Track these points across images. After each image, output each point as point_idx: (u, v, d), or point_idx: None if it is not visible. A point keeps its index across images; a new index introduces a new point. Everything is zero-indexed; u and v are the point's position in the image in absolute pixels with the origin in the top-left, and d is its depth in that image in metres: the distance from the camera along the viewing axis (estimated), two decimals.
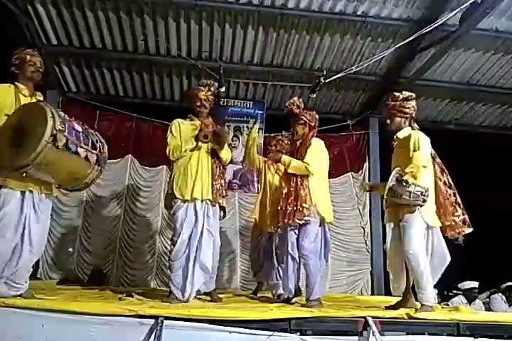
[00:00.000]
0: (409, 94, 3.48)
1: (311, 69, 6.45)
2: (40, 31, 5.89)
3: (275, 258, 4.44)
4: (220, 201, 3.74)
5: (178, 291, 3.41)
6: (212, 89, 3.81)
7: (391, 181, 3.16)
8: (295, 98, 3.95)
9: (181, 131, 3.66)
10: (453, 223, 3.37)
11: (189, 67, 6.43)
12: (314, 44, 6.06)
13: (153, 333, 2.54)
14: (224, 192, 3.76)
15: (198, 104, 3.73)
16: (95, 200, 6.41)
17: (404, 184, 3.09)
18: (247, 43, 6.09)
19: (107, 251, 6.28)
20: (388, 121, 3.48)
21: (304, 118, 3.80)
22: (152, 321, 2.61)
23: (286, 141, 4.69)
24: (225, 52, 6.23)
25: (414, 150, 3.19)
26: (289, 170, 3.65)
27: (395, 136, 3.48)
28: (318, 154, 3.70)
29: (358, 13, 5.57)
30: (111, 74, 6.70)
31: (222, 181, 3.71)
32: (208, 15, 5.66)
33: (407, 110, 3.43)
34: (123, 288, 5.37)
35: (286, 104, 3.94)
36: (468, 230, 3.42)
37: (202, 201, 3.54)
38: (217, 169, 3.66)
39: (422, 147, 3.22)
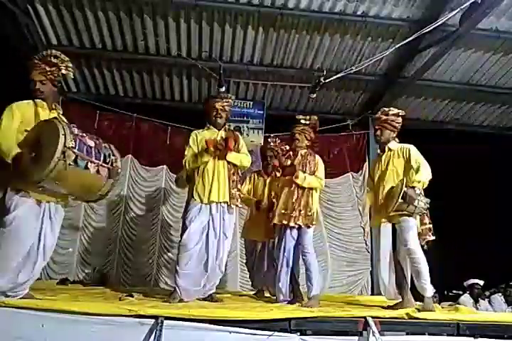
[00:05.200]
0: (398, 110, 3.81)
1: (311, 69, 6.45)
2: (40, 31, 5.89)
3: (269, 263, 4.46)
4: (238, 204, 3.80)
5: (184, 286, 3.46)
6: (229, 100, 3.97)
7: (401, 190, 3.37)
8: (314, 116, 4.17)
9: (198, 142, 3.79)
10: (420, 230, 3.82)
11: (189, 67, 6.43)
12: (314, 44, 6.07)
13: (153, 333, 2.54)
14: (241, 196, 3.85)
15: (215, 113, 3.85)
16: None
17: (416, 191, 3.38)
18: (247, 43, 6.10)
19: (107, 251, 6.27)
20: (379, 133, 3.80)
21: (310, 135, 4.07)
22: (152, 321, 2.61)
23: (277, 149, 4.74)
24: (225, 52, 6.24)
25: (420, 164, 3.50)
26: (305, 185, 3.85)
27: (386, 147, 3.76)
28: (323, 171, 4.02)
29: (358, 13, 5.57)
30: (111, 74, 6.71)
31: (240, 186, 3.85)
32: (208, 15, 5.66)
33: (396, 124, 3.77)
34: (123, 288, 5.37)
35: (310, 117, 4.11)
36: (431, 238, 4.11)
37: (217, 203, 3.66)
38: (235, 175, 3.76)
39: (425, 161, 3.53)
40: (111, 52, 6.26)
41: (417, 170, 3.48)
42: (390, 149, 3.75)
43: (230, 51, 6.23)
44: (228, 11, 5.61)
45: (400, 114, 3.78)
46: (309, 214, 3.80)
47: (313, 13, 5.58)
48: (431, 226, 4.18)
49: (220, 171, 3.70)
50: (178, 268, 3.54)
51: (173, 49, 6.14)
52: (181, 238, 3.66)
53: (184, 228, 3.70)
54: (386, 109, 3.82)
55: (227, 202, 3.67)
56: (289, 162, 3.94)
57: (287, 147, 4.50)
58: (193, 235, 3.56)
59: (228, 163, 3.74)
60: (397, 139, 3.82)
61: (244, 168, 3.94)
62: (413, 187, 3.39)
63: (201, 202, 3.64)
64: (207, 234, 3.60)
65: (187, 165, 3.78)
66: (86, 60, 6.43)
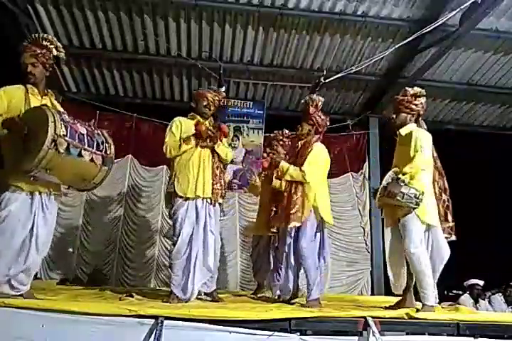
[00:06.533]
0: (419, 90, 3.42)
1: (311, 69, 6.46)
2: (40, 31, 5.89)
3: (273, 259, 4.45)
4: (220, 201, 3.74)
5: (179, 291, 3.41)
6: (220, 96, 3.87)
7: (386, 180, 3.14)
8: (315, 97, 3.87)
9: (182, 129, 3.61)
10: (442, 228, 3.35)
11: (189, 67, 6.44)
12: (314, 44, 6.07)
13: (153, 333, 2.53)
14: (223, 192, 3.76)
15: (205, 103, 3.73)
16: (95, 200, 6.41)
17: (400, 184, 3.04)
18: (247, 43, 6.10)
19: (107, 251, 6.27)
20: (394, 116, 3.44)
21: (315, 120, 3.78)
22: (152, 321, 2.61)
23: (285, 140, 4.71)
24: (225, 52, 6.24)
25: (416, 151, 3.14)
26: (286, 177, 3.68)
27: (397, 132, 3.43)
28: (316, 161, 3.67)
29: (358, 13, 5.58)
30: (111, 74, 6.71)
31: (222, 181, 3.71)
32: (208, 15, 5.67)
33: (413, 106, 3.38)
34: (123, 288, 5.37)
35: (304, 100, 3.91)
36: (452, 238, 3.46)
37: (203, 199, 3.55)
38: (218, 169, 3.67)
39: (424, 148, 3.16)
40: (111, 52, 6.27)
41: (412, 159, 3.12)
42: (400, 134, 3.39)
43: (230, 51, 6.24)
44: (228, 11, 5.62)
45: (419, 94, 3.38)
46: (299, 210, 3.49)
47: (313, 13, 5.59)
48: (453, 224, 3.50)
49: (206, 164, 3.56)
50: (172, 275, 3.44)
51: (173, 49, 6.15)
52: (175, 242, 3.45)
53: (176, 232, 3.48)
54: (407, 89, 3.42)
55: (210, 198, 3.56)
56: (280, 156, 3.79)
57: (291, 133, 4.33)
58: (186, 239, 3.45)
59: (213, 155, 3.62)
60: (423, 124, 3.44)
61: (227, 162, 3.85)
62: (397, 181, 3.05)
63: (186, 198, 3.48)
64: (193, 234, 3.47)
65: (167, 152, 3.55)
66: (86, 60, 6.43)
